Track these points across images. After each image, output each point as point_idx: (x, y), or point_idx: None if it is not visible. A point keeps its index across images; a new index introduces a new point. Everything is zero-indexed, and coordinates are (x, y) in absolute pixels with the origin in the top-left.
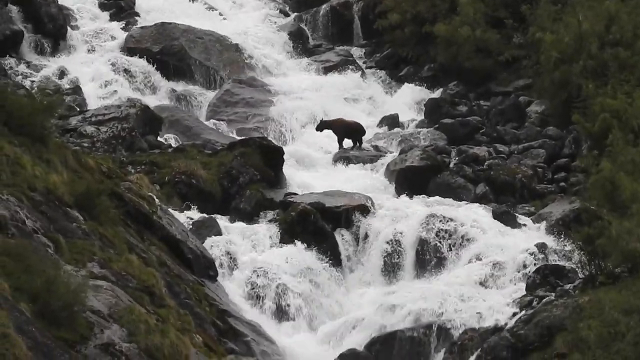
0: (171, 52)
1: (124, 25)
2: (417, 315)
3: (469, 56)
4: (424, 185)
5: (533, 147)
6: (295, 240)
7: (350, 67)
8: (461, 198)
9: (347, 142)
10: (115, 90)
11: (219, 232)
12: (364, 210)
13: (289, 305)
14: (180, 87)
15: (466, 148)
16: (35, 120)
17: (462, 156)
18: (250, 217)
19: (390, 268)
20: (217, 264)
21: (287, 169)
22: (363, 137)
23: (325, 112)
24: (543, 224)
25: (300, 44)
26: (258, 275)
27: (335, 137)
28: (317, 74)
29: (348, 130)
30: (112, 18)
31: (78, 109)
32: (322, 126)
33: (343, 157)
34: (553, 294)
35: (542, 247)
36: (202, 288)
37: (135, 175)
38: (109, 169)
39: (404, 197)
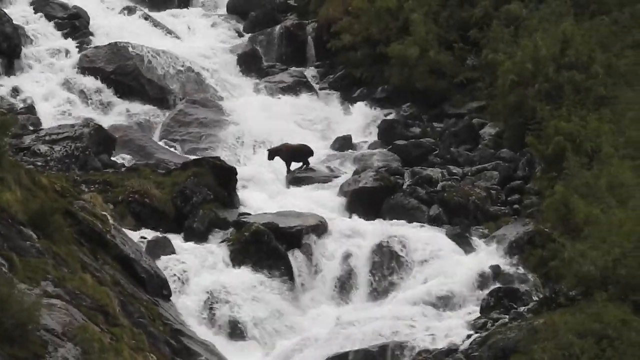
0: (125, 71)
1: (78, 44)
2: (370, 336)
3: (423, 77)
4: (378, 206)
5: (487, 169)
6: (249, 260)
7: (304, 88)
8: (415, 219)
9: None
10: (69, 110)
11: (172, 252)
12: (318, 230)
13: (242, 325)
14: (134, 106)
15: (420, 169)
16: None
17: (416, 177)
18: (203, 237)
19: (344, 288)
20: (170, 283)
21: (241, 190)
22: (310, 158)
23: (278, 133)
24: (497, 246)
25: (253, 64)
26: (211, 295)
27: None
28: (271, 94)
29: (294, 153)
30: (67, 37)
31: (32, 128)
32: (271, 155)
33: (296, 178)
34: (507, 317)
35: (496, 269)
36: (155, 307)
37: (88, 195)
38: (62, 188)
39: (357, 218)
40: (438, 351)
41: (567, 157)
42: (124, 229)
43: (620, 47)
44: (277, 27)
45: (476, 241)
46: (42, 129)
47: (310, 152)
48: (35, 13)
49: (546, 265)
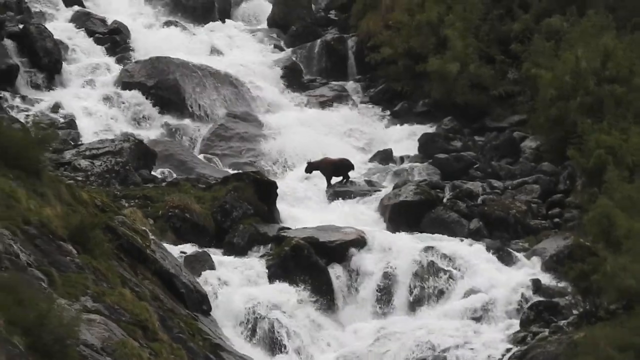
0: (165, 86)
1: (118, 59)
2: (410, 350)
3: (463, 91)
4: (418, 220)
5: (527, 183)
6: (288, 275)
7: (345, 102)
8: (455, 233)
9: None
10: (110, 125)
11: (212, 267)
12: (358, 244)
13: (282, 340)
14: (174, 121)
15: (460, 183)
16: (29, 154)
17: (456, 191)
18: (243, 251)
19: (384, 303)
20: (210, 298)
21: (281, 204)
22: (350, 172)
23: (319, 147)
24: (537, 260)
25: (294, 78)
26: (251, 310)
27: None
28: (311, 108)
29: (335, 168)
30: (107, 52)
31: (72, 143)
32: (309, 168)
33: (336, 192)
34: (547, 330)
35: (536, 283)
36: (195, 322)
37: (128, 209)
38: (102, 203)
39: (397, 232)
40: None
41: (608, 171)
42: (163, 244)
43: None
44: (318, 41)
45: (516, 255)
46: (83, 143)
47: (350, 166)
48: (76, 28)
49: (587, 278)
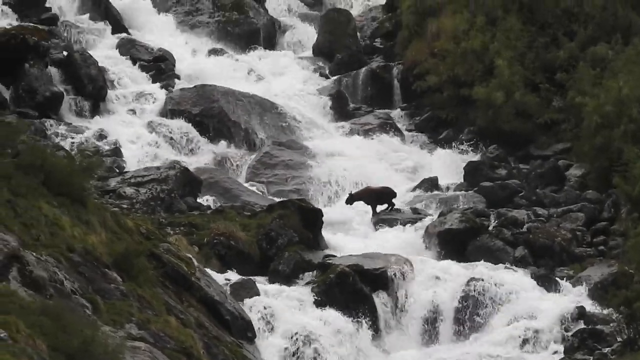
0: (211, 114)
1: (163, 87)
2: None
3: (509, 119)
4: (463, 247)
5: (572, 211)
6: (333, 302)
7: (390, 129)
8: (500, 261)
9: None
10: (155, 152)
11: (257, 294)
12: (403, 272)
13: None
14: (219, 149)
15: (505, 211)
16: (74, 181)
17: (502, 219)
18: (288, 279)
19: (429, 330)
20: (255, 325)
21: (326, 231)
22: (396, 200)
23: (364, 175)
24: (582, 288)
25: (339, 106)
26: (296, 337)
27: (367, 205)
28: (357, 136)
29: (377, 196)
30: (152, 80)
31: (117, 171)
32: (351, 199)
33: (382, 220)
34: (591, 357)
35: (580, 310)
36: (240, 350)
37: (174, 237)
38: (147, 230)
39: (442, 260)
40: None
41: None
42: (208, 271)
43: None
44: (363, 69)
45: (561, 282)
46: (128, 171)
47: (393, 194)
48: (121, 55)
49: (630, 306)
